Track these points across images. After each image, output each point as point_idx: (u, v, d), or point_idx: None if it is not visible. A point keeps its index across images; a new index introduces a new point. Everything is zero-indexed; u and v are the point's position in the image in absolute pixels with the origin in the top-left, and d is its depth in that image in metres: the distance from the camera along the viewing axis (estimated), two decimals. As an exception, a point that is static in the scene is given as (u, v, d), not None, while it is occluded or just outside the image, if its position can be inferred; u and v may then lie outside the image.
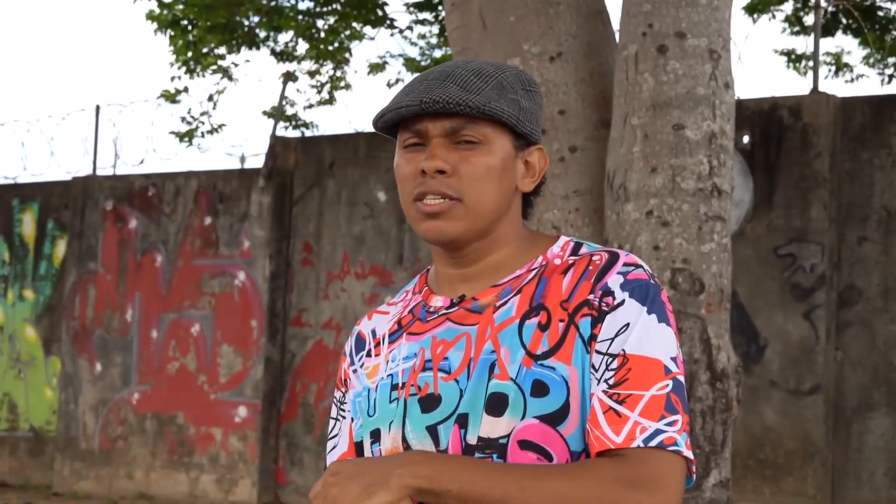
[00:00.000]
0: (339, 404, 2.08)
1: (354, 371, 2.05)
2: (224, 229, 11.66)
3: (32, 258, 13.00)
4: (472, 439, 1.86)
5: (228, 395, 11.47)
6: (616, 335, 1.85)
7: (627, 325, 1.85)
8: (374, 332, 2.05)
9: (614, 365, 1.83)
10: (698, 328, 4.04)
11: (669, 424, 1.81)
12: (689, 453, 1.83)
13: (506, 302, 1.92)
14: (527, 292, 1.92)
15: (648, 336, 1.85)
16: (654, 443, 1.80)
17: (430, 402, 1.91)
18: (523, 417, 1.84)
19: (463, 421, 1.87)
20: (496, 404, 1.86)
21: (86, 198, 12.48)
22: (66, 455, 12.30)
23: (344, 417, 2.06)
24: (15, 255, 13.11)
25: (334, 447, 2.06)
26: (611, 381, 1.83)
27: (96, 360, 12.23)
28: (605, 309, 1.86)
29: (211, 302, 11.63)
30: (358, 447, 2.00)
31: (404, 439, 1.91)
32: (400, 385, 1.94)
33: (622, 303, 1.86)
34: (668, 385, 1.83)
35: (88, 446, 12.19)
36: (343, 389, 2.07)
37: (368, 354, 2.04)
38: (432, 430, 1.90)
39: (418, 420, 1.91)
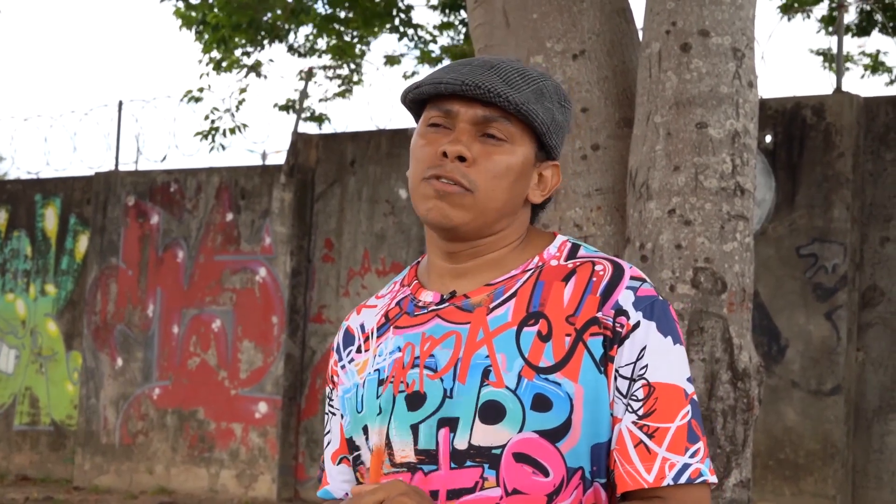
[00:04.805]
0: (329, 401, 2.06)
1: (343, 367, 2.02)
2: (245, 225, 11.68)
3: (54, 253, 13.06)
4: (461, 445, 1.84)
5: (249, 391, 11.49)
6: (637, 359, 1.84)
7: (645, 347, 1.84)
8: (362, 327, 2.02)
9: (640, 394, 1.83)
10: (720, 328, 4.02)
11: (693, 455, 1.83)
12: (713, 478, 1.85)
13: (500, 304, 1.89)
14: (523, 296, 1.89)
15: (667, 361, 1.85)
16: (682, 479, 1.82)
17: (415, 400, 1.88)
18: (521, 430, 1.82)
19: (453, 425, 1.85)
20: (491, 412, 1.83)
21: (108, 193, 12.53)
22: (87, 449, 12.35)
23: (334, 414, 2.04)
24: (37, 250, 13.17)
25: (329, 443, 2.06)
26: (640, 412, 1.83)
27: (117, 354, 12.28)
28: (620, 330, 1.84)
29: (232, 298, 11.66)
30: (349, 443, 1.99)
31: (388, 436, 1.89)
32: (386, 380, 1.92)
33: (637, 324, 1.85)
34: (688, 412, 1.84)
35: (109, 441, 12.24)
36: (331, 386, 2.06)
37: (358, 350, 2.01)
38: (414, 429, 1.87)
39: (404, 418, 1.89)
